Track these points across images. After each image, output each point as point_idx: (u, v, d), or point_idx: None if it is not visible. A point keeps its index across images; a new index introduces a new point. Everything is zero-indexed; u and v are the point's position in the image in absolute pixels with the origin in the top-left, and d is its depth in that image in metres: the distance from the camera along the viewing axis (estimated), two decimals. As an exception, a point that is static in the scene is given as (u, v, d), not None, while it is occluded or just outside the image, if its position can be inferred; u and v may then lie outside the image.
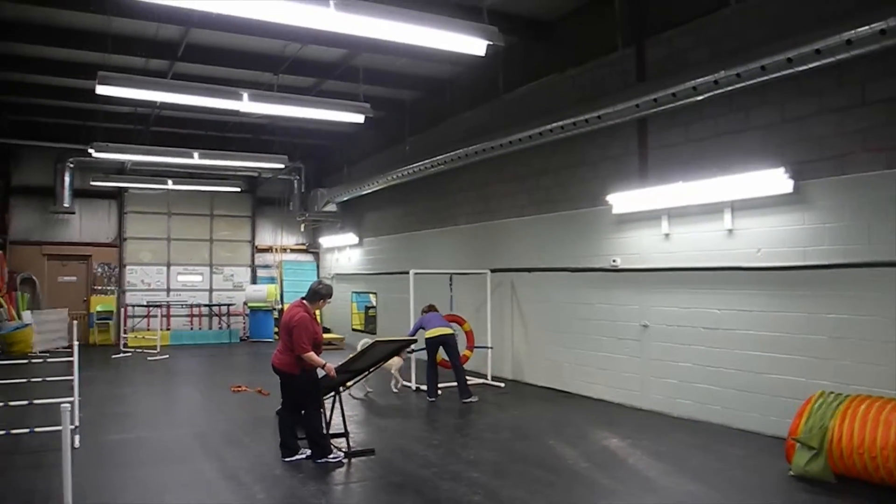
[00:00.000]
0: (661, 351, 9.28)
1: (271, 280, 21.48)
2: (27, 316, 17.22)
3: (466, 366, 11.67)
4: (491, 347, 12.06)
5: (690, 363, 8.84)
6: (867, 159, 6.96)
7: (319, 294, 7.42)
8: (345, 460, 7.07)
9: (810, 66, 6.74)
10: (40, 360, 12.07)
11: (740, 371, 8.17)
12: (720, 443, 7.63)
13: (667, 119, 9.10)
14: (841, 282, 7.16)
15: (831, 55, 6.50)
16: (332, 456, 7.06)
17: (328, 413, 7.42)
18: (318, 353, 7.13)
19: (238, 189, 19.78)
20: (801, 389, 7.25)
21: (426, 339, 10.59)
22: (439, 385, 10.65)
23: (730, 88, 7.54)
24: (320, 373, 7.16)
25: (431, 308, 11.10)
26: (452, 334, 10.70)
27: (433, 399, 10.48)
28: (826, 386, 6.85)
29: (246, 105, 9.85)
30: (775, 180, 7.56)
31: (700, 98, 7.91)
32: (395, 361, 10.92)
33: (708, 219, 8.62)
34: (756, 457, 7.04)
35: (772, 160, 7.69)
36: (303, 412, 7.26)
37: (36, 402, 7.86)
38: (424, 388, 10.91)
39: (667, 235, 9.23)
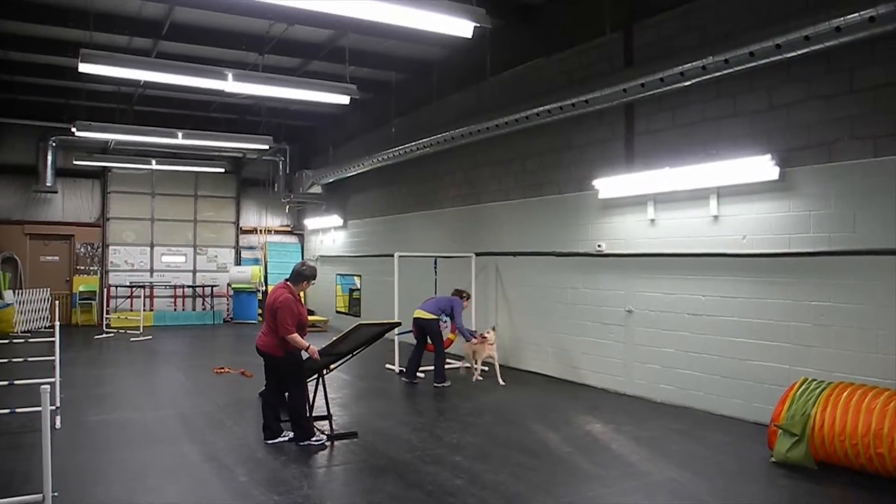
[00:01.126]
0: (646, 336, 9.30)
1: (255, 262, 21.37)
2: (9, 296, 17.07)
3: (451, 349, 11.68)
4: (475, 331, 12.02)
5: (674, 349, 8.87)
6: (854, 147, 6.97)
7: (303, 275, 7.35)
8: (327, 443, 7.05)
9: (799, 52, 6.72)
10: (22, 341, 12.03)
11: (724, 357, 8.21)
12: (703, 429, 7.68)
13: (654, 104, 9.08)
14: (826, 269, 7.19)
15: (820, 42, 6.47)
16: (314, 439, 7.04)
17: (311, 396, 7.40)
18: (302, 335, 7.09)
19: (223, 170, 19.59)
20: (784, 376, 7.30)
21: (413, 318, 10.64)
22: (426, 368, 10.63)
23: (718, 74, 7.51)
24: (304, 355, 7.12)
25: (461, 294, 11.02)
26: (433, 320, 10.59)
27: (410, 381, 10.48)
28: (809, 373, 6.89)
29: (230, 85, 9.73)
30: (761, 167, 7.55)
31: (688, 83, 7.88)
32: (479, 349, 10.62)
33: (694, 205, 8.62)
34: (738, 443, 7.09)
35: (758, 147, 7.69)
36: (286, 394, 7.24)
37: (17, 382, 7.80)
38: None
39: (652, 221, 9.23)
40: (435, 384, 10.21)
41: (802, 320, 7.39)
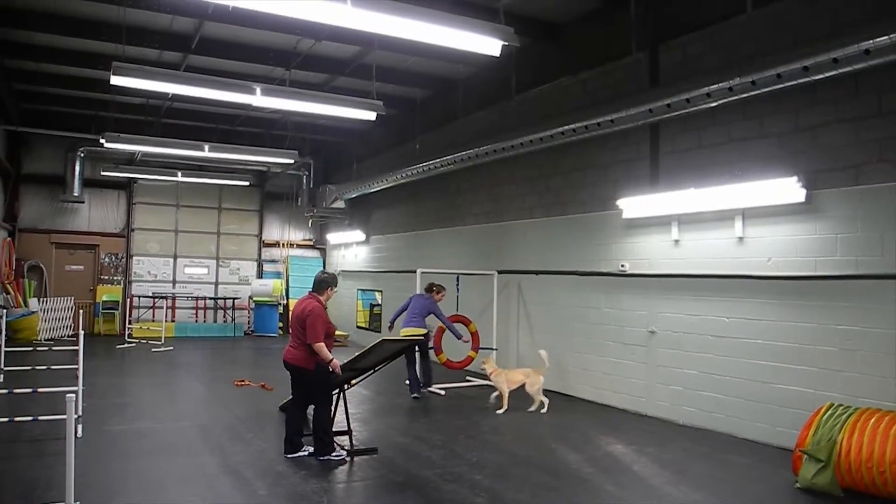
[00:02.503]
0: (668, 357, 9.22)
1: (277, 275, 21.48)
2: (34, 303, 17.29)
3: (471, 367, 11.69)
4: (496, 349, 12.01)
5: (697, 371, 8.79)
6: (882, 170, 6.90)
7: (326, 282, 7.38)
8: (347, 458, 7.04)
9: (827, 74, 6.67)
10: (45, 349, 12.13)
11: (748, 380, 8.12)
12: (726, 452, 7.58)
13: (679, 124, 9.05)
14: (852, 293, 7.10)
15: (849, 65, 6.42)
16: (334, 454, 7.03)
17: (332, 410, 7.39)
18: (330, 345, 7.10)
19: (247, 183, 19.75)
20: (809, 401, 7.20)
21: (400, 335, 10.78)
22: (447, 385, 10.63)
23: (744, 95, 7.46)
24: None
25: (431, 288, 11.25)
26: (424, 335, 10.68)
27: (416, 396, 10.57)
28: (835, 398, 6.80)
29: (259, 99, 9.80)
30: (788, 189, 7.50)
31: (714, 104, 7.84)
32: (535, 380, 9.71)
33: (719, 226, 8.57)
34: (762, 467, 7.00)
35: (785, 168, 7.64)
36: (310, 408, 7.24)
37: (40, 390, 7.87)
38: (433, 389, 10.93)
39: (676, 241, 9.18)
40: (413, 395, 10.46)
41: (828, 344, 7.29)
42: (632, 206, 9.53)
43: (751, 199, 7.98)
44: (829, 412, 6.31)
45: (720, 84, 7.56)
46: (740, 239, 8.30)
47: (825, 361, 7.32)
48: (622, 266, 9.99)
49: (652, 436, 8.35)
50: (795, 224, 7.70)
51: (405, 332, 10.64)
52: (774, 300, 7.89)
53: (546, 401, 9.66)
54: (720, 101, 7.73)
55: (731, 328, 8.38)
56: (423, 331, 10.68)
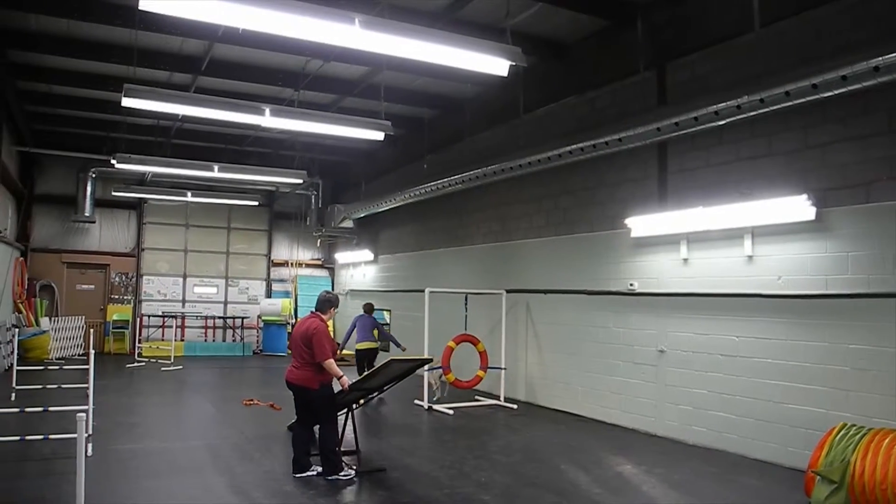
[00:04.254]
0: (678, 377, 9.17)
1: (286, 294, 21.51)
2: (45, 323, 17.35)
3: (480, 386, 11.67)
4: (504, 368, 11.97)
5: (707, 390, 8.73)
6: (892, 187, 6.87)
7: (331, 302, 7.46)
8: (356, 478, 7.01)
9: (836, 92, 6.65)
10: (56, 367, 12.14)
11: (758, 400, 8.05)
12: (736, 472, 7.51)
13: (687, 143, 9.05)
14: (864, 312, 7.05)
15: (858, 82, 6.41)
16: (343, 473, 7.00)
17: (340, 430, 7.37)
18: None
19: (256, 203, 19.82)
20: (821, 421, 7.13)
21: (355, 350, 12.15)
22: (455, 405, 10.58)
23: (753, 114, 7.44)
24: (335, 387, 7.13)
25: (371, 309, 12.65)
26: (376, 347, 12.18)
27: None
28: (848, 418, 6.71)
29: (268, 120, 9.86)
30: (797, 207, 7.48)
31: (722, 123, 7.82)
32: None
33: (728, 244, 8.54)
34: (773, 488, 6.92)
35: (794, 186, 7.61)
36: (317, 427, 7.22)
37: (51, 409, 7.89)
38: (437, 406, 10.90)
39: (685, 260, 9.15)
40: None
41: (840, 364, 7.23)
42: (640, 224, 9.52)
43: (760, 218, 7.96)
44: (842, 432, 6.24)
45: (728, 102, 7.54)
46: (750, 257, 8.27)
47: (837, 381, 7.25)
48: (631, 285, 9.96)
49: (661, 456, 8.28)
50: (805, 242, 7.66)
51: (361, 345, 12.11)
52: (785, 319, 7.83)
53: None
54: (728, 120, 7.71)
55: (741, 347, 8.32)
56: (376, 345, 12.48)
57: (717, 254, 8.71)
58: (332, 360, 6.96)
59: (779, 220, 7.79)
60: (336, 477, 6.95)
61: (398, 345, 12.82)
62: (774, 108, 7.21)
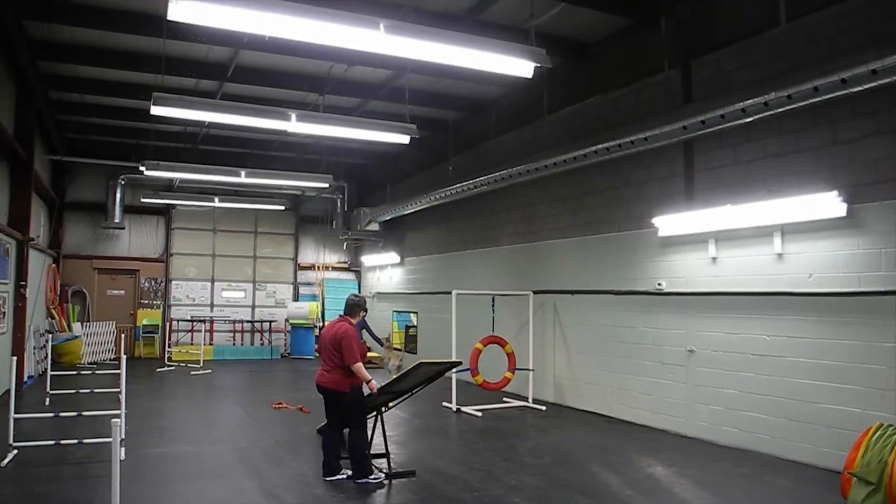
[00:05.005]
0: (708, 377, 9.08)
1: (313, 298, 21.63)
2: (77, 328, 17.62)
3: (508, 387, 11.65)
4: (532, 370, 11.95)
5: (738, 390, 8.64)
6: (925, 183, 6.76)
7: (359, 306, 7.49)
8: (385, 481, 7.03)
9: (865, 86, 6.56)
10: (89, 372, 12.35)
11: (791, 399, 7.95)
12: (769, 474, 7.42)
13: (714, 141, 8.97)
14: (898, 309, 6.93)
15: (888, 76, 6.30)
16: (372, 476, 7.02)
17: (370, 433, 7.39)
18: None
19: (282, 207, 19.98)
20: (856, 421, 7.02)
21: None
22: (483, 407, 10.56)
23: (780, 110, 7.35)
24: (364, 390, 7.16)
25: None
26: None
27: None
28: (884, 418, 6.60)
29: (294, 125, 9.92)
30: (827, 204, 7.39)
31: (749, 120, 7.75)
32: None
33: (757, 242, 8.45)
34: (807, 490, 6.83)
35: (824, 183, 7.52)
36: (347, 430, 7.25)
37: (85, 413, 8.00)
38: (465, 408, 10.92)
39: (714, 259, 9.07)
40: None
41: (875, 362, 7.11)
42: (667, 223, 9.45)
43: (789, 215, 7.86)
44: (879, 433, 6.14)
45: (755, 99, 7.48)
46: (779, 255, 8.17)
47: (872, 380, 7.13)
48: (659, 284, 9.89)
49: (692, 457, 8.21)
50: (837, 239, 7.56)
51: None
52: (816, 317, 7.73)
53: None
54: (755, 117, 7.64)
55: (772, 346, 8.23)
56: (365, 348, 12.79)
57: (746, 252, 8.62)
58: (360, 364, 6.99)
59: (809, 217, 7.69)
60: (366, 480, 6.96)
61: (383, 344, 13.18)
62: (802, 104, 7.13)
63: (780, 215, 7.95)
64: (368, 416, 7.44)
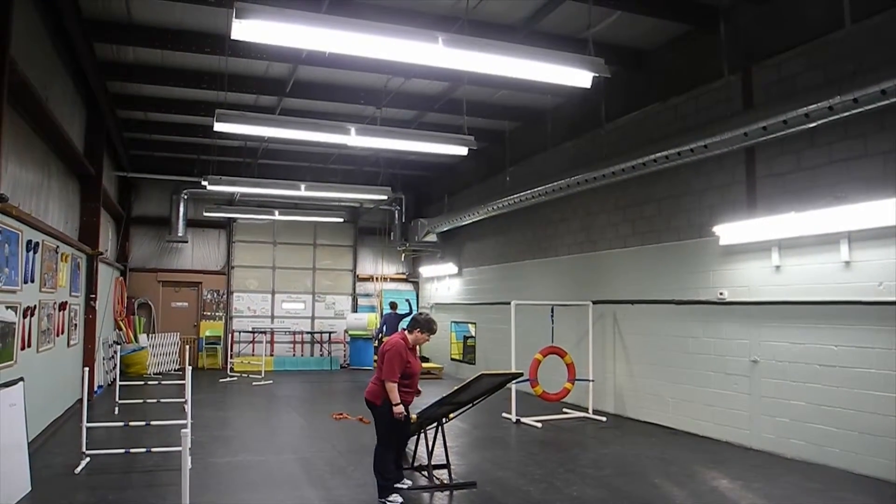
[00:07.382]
0: (773, 388, 8.88)
1: (372, 309, 21.83)
2: (143, 339, 18.15)
3: (567, 398, 11.59)
4: (592, 380, 11.84)
5: (805, 402, 8.42)
6: None
7: (417, 322, 7.07)
8: None
9: (937, 89, 6.37)
10: (155, 382, 12.68)
11: (863, 412, 7.71)
12: (841, 489, 7.21)
13: (776, 147, 8.80)
14: (974, 318, 6.69)
15: (960, 78, 6.13)
16: (390, 498, 6.66)
17: (430, 444, 7.41)
18: (412, 385, 6.90)
19: (341, 219, 20.19)
20: (931, 433, 6.79)
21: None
22: (543, 417, 10.51)
23: (846, 114, 7.18)
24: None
25: (395, 306, 13.19)
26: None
27: None
28: (959, 430, 6.38)
29: (353, 139, 10.03)
30: (898, 210, 7.17)
31: (813, 125, 7.58)
32: None
33: (822, 250, 8.25)
34: (881, 504, 6.63)
35: (893, 188, 7.30)
36: (405, 441, 7.25)
37: (153, 423, 8.23)
38: (525, 419, 10.87)
39: (777, 267, 8.88)
40: None
41: (950, 373, 6.87)
42: (729, 232, 9.28)
43: (857, 222, 7.64)
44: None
45: (819, 104, 7.30)
46: (847, 263, 7.96)
47: (947, 391, 6.89)
48: (721, 294, 9.72)
49: (758, 470, 8.02)
50: (908, 246, 7.33)
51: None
52: (888, 327, 7.49)
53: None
54: (820, 122, 7.46)
55: (840, 357, 8.00)
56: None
57: (811, 260, 8.42)
58: (394, 385, 6.62)
59: (878, 224, 7.46)
60: (385, 501, 6.65)
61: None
62: (869, 107, 6.94)
63: (847, 222, 7.73)
64: (429, 428, 7.45)
